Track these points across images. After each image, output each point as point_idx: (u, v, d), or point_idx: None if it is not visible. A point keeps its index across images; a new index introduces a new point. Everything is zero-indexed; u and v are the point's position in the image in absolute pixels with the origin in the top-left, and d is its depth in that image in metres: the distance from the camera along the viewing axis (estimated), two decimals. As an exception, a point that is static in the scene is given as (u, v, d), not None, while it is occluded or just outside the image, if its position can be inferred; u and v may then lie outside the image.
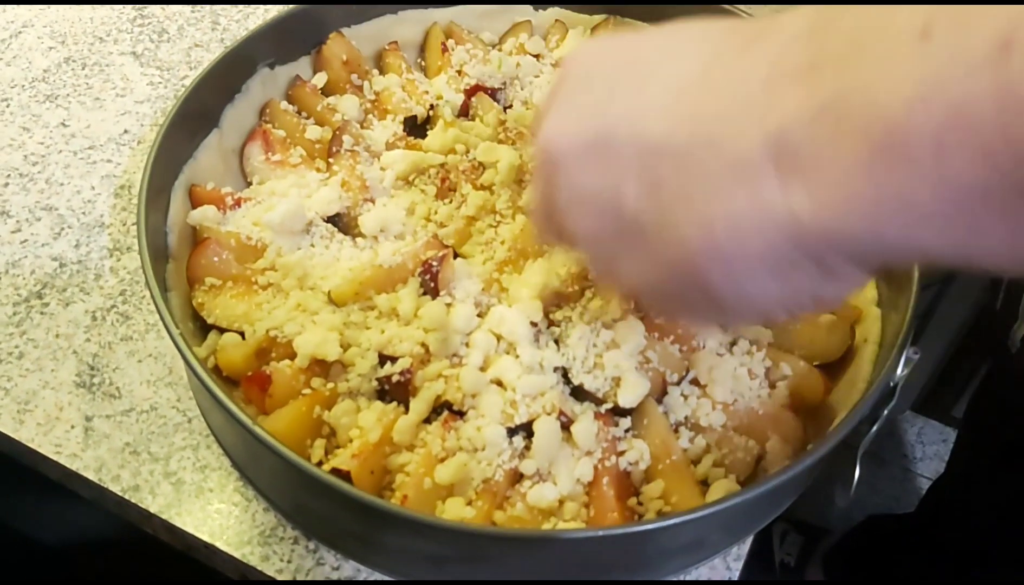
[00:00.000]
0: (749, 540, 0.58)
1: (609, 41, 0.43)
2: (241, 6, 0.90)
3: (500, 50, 0.78)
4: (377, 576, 0.56)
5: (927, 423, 1.71)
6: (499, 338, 0.58)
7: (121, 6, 0.89)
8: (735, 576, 0.57)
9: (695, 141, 0.35)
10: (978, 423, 1.00)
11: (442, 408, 0.56)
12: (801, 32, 0.33)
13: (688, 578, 0.57)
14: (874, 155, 0.30)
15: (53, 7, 0.88)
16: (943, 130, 0.28)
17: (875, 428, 0.54)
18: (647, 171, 0.37)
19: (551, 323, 0.60)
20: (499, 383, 0.56)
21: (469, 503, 0.53)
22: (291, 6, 0.73)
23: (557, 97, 0.42)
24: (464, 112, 0.74)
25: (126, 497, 0.58)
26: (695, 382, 0.58)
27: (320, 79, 0.74)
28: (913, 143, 0.29)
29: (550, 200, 0.42)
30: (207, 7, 0.89)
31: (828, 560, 1.37)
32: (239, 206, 0.65)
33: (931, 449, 1.69)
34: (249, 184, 0.68)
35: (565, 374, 0.58)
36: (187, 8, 0.89)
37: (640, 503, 0.55)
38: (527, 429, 0.55)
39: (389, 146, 0.70)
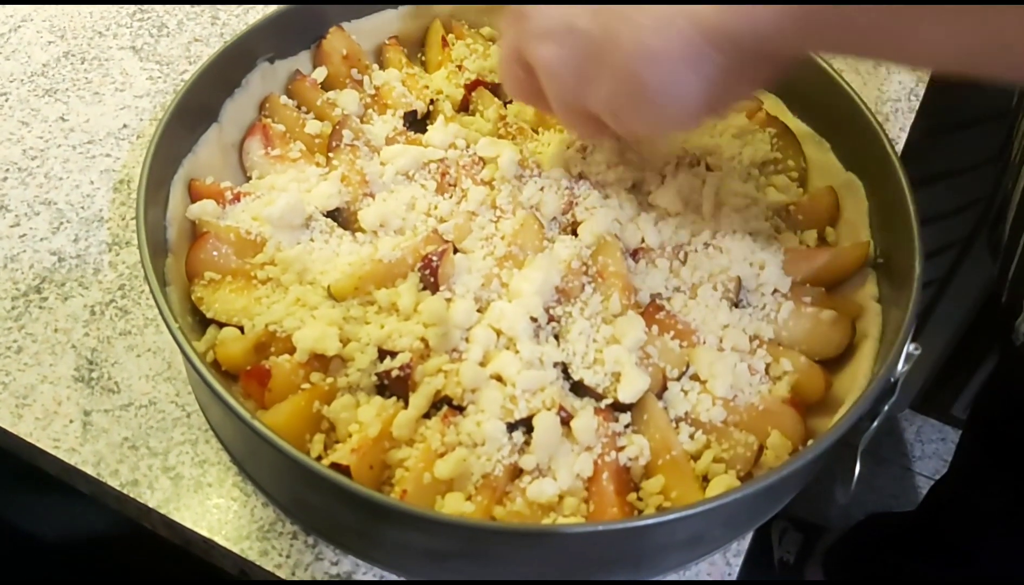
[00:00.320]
0: (749, 536, 0.58)
1: None
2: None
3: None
4: (376, 571, 0.56)
5: (926, 422, 1.71)
6: (499, 333, 0.58)
7: None
8: (735, 572, 0.57)
9: None
10: (984, 419, 1.00)
11: (442, 403, 0.56)
12: None
13: (687, 577, 0.57)
14: None
15: (52, 1, 0.88)
16: None
17: (875, 424, 0.54)
18: (590, 3, 0.50)
19: (551, 318, 0.60)
20: (499, 378, 0.56)
21: (469, 498, 0.53)
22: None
23: None
24: (464, 107, 0.74)
25: (125, 492, 0.58)
26: (695, 377, 0.58)
27: (320, 74, 0.74)
28: None
29: (520, 44, 0.55)
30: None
31: (827, 558, 1.37)
32: (238, 201, 0.65)
33: (930, 447, 1.69)
34: (248, 178, 0.68)
35: (565, 369, 0.58)
36: (186, 3, 0.89)
37: (640, 498, 0.55)
38: (527, 424, 0.55)
39: (389, 141, 0.69)
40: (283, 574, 0.55)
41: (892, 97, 0.85)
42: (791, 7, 0.45)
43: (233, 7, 0.89)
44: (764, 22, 0.45)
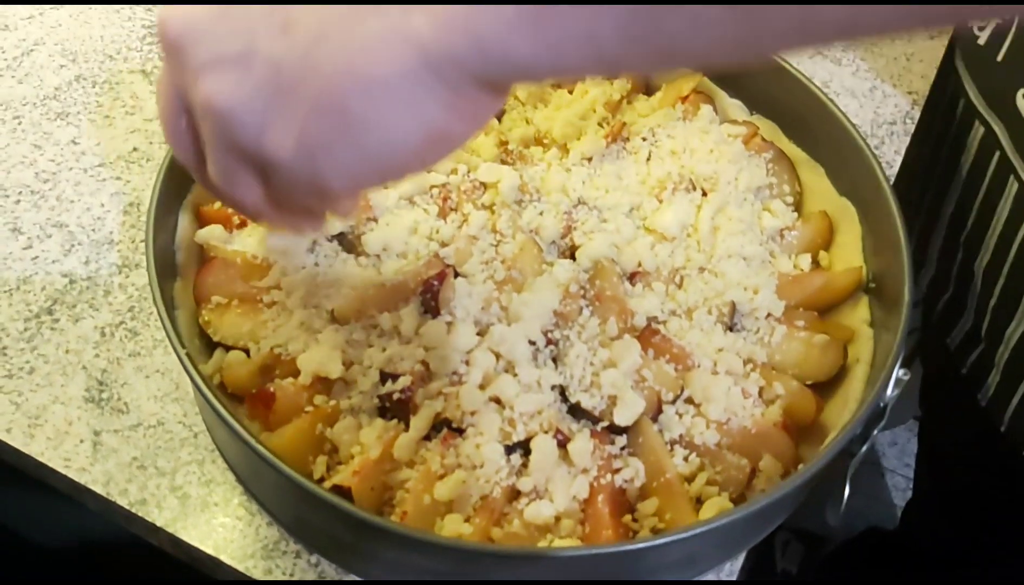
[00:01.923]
0: (742, 556, 0.60)
1: None
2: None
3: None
4: (377, 590, 0.58)
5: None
6: (498, 357, 0.59)
7: (131, 23, 0.91)
8: (728, 592, 0.59)
9: None
10: (928, 437, 1.01)
11: (442, 425, 0.57)
12: None
13: (682, 594, 0.58)
14: None
15: (64, 25, 0.90)
16: None
17: (864, 448, 0.56)
18: (277, 15, 0.37)
19: (549, 341, 0.61)
20: (498, 401, 0.58)
21: (467, 519, 0.54)
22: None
23: None
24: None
25: (133, 511, 0.60)
26: (690, 401, 0.60)
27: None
28: None
29: (178, 86, 0.41)
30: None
31: (829, 570, 1.38)
32: (245, 226, 0.66)
33: (934, 459, 1.70)
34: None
35: (563, 392, 0.59)
36: (195, 26, 0.91)
37: (635, 520, 0.56)
38: (524, 447, 0.56)
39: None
40: (287, 592, 0.57)
41: (887, 120, 0.86)
42: (529, 8, 0.34)
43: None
44: (495, 36, 0.35)
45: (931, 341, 0.82)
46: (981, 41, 0.72)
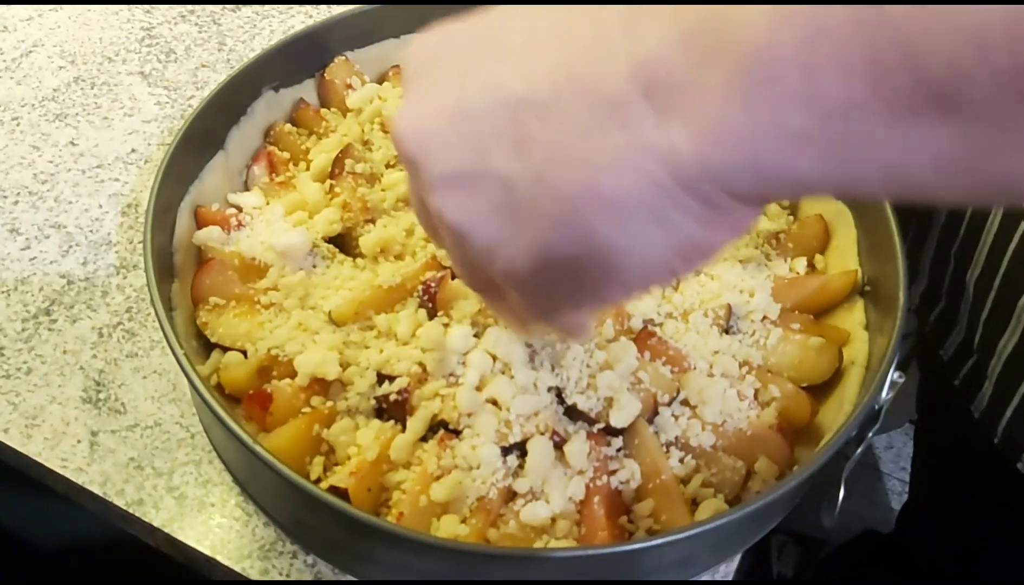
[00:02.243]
0: (737, 558, 0.60)
1: (447, 25, 0.39)
2: (247, 28, 0.92)
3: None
4: (374, 590, 0.58)
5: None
6: (495, 358, 0.60)
7: (129, 25, 0.91)
8: (724, 593, 0.59)
9: (559, 88, 0.33)
10: (924, 442, 1.01)
11: (438, 427, 0.57)
12: None
13: (677, 595, 0.59)
14: (744, 80, 0.29)
15: (63, 27, 0.90)
16: (807, 48, 0.28)
17: (860, 450, 0.56)
18: (512, 130, 0.34)
19: (546, 344, 0.61)
20: (494, 403, 0.58)
21: (463, 520, 0.54)
22: (295, 30, 0.75)
23: (406, 92, 0.39)
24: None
25: (130, 511, 0.60)
26: (685, 403, 0.60)
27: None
28: (779, 64, 0.28)
29: (422, 202, 0.39)
30: (214, 27, 0.91)
31: (825, 572, 1.38)
32: (243, 227, 0.66)
33: (930, 463, 1.70)
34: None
35: (559, 394, 0.59)
36: (194, 29, 0.91)
37: (631, 521, 0.56)
38: (521, 448, 0.56)
39: (390, 168, 0.71)
40: (283, 593, 0.57)
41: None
42: (826, 127, 0.29)
43: (239, 33, 0.91)
44: (776, 155, 0.30)
45: (925, 351, 0.82)
46: None
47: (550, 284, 0.37)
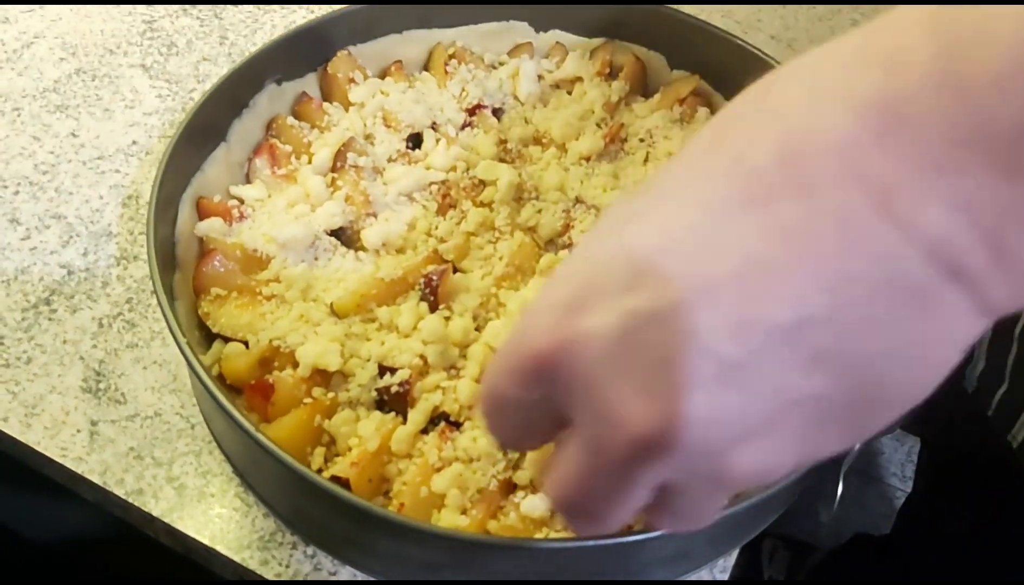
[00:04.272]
0: (735, 553, 0.60)
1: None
2: (249, 22, 0.92)
3: (499, 65, 0.80)
4: (373, 580, 0.58)
5: (916, 442, 1.72)
6: (495, 351, 0.60)
7: (131, 18, 0.91)
8: (721, 588, 0.59)
9: (847, 297, 0.29)
10: (931, 442, 1.02)
11: (439, 419, 0.58)
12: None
13: (675, 589, 0.59)
14: None
15: (65, 19, 0.90)
16: None
17: (858, 447, 0.56)
18: (806, 349, 0.29)
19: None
20: (495, 396, 0.58)
21: (464, 512, 0.55)
22: (298, 24, 0.75)
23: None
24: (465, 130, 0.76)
25: (130, 500, 0.60)
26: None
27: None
28: None
29: (687, 469, 0.31)
30: (216, 21, 0.91)
31: (815, 577, 1.38)
32: (245, 218, 0.66)
33: (921, 468, 1.71)
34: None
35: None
36: (196, 22, 0.91)
37: (630, 515, 0.56)
38: (521, 441, 0.57)
39: (392, 162, 0.71)
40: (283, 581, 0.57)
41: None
42: None
43: (241, 27, 0.91)
44: None
45: (969, 411, 0.80)
46: None
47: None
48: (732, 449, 0.30)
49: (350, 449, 0.56)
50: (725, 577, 0.60)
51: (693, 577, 0.59)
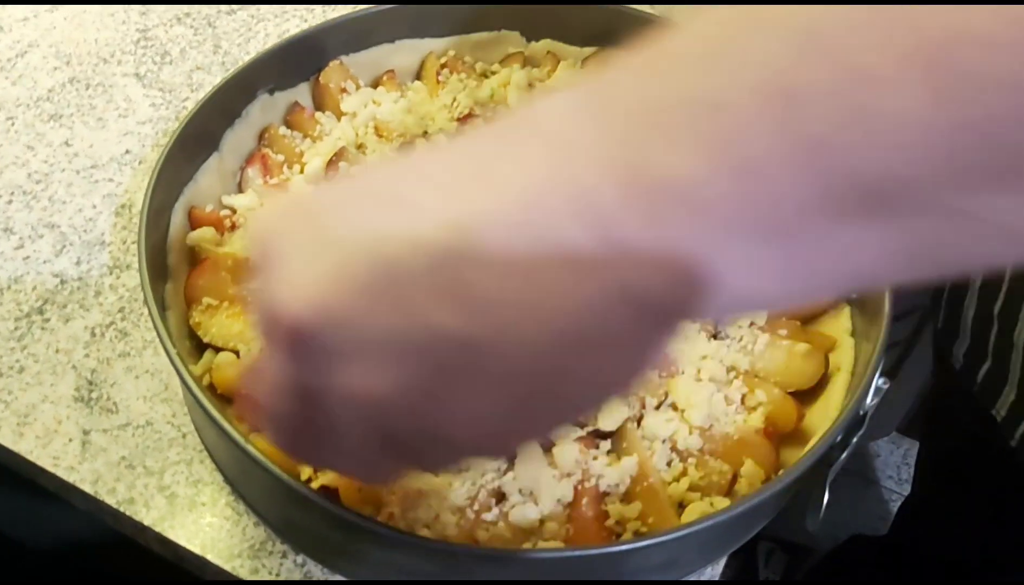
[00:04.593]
0: (723, 561, 0.60)
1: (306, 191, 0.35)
2: (243, 31, 0.92)
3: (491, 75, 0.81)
4: (363, 590, 0.58)
5: (913, 445, 1.73)
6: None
7: (125, 27, 0.91)
8: (709, 595, 0.59)
9: (516, 241, 0.29)
10: (933, 442, 1.02)
11: (429, 428, 0.58)
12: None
13: (664, 597, 0.59)
14: (693, 220, 0.28)
15: (59, 28, 0.90)
16: (738, 181, 0.27)
17: (844, 455, 0.56)
18: (463, 287, 0.30)
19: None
20: (484, 405, 0.58)
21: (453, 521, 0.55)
22: (290, 34, 0.76)
23: (273, 260, 0.32)
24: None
25: (121, 509, 0.60)
26: (673, 407, 0.61)
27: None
28: (725, 204, 0.28)
29: (301, 373, 0.33)
30: (209, 30, 0.92)
31: (812, 579, 1.39)
32: (237, 228, 0.67)
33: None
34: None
35: (548, 397, 0.60)
36: (189, 31, 0.91)
37: (618, 523, 0.57)
38: (510, 450, 0.57)
39: (383, 172, 0.72)
40: (273, 592, 0.57)
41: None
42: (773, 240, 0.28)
43: (234, 36, 0.91)
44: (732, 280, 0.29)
45: (972, 410, 0.82)
46: None
47: (503, 438, 0.34)
48: (344, 363, 0.31)
49: (340, 458, 0.56)
50: (716, 578, 0.60)
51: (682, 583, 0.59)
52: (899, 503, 1.68)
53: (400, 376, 0.31)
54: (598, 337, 0.30)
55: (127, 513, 0.60)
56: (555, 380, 0.31)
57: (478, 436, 0.33)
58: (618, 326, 0.30)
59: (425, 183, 0.31)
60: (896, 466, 1.75)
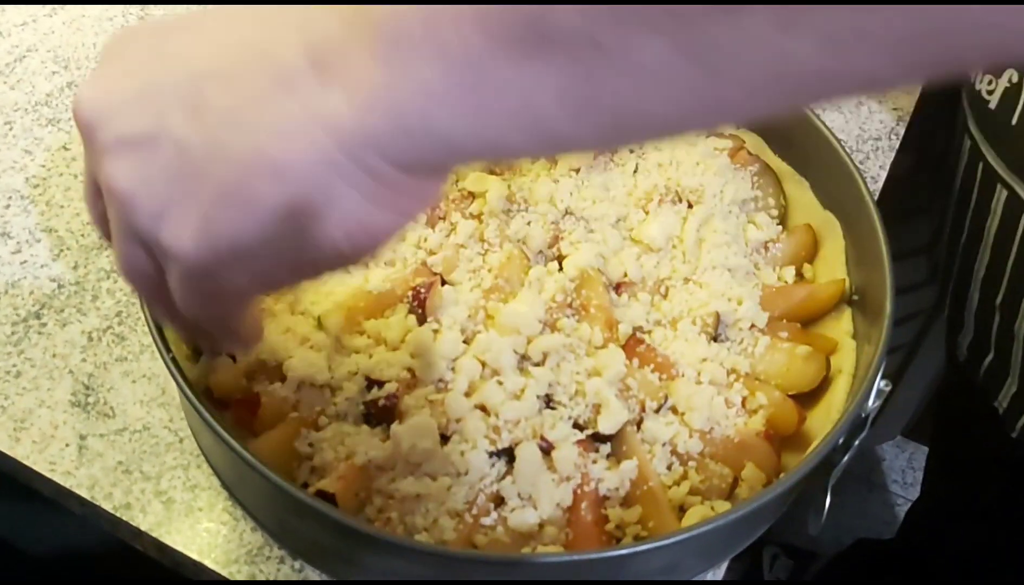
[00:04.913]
0: (724, 565, 0.60)
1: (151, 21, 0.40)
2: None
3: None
4: (361, 596, 0.58)
5: (918, 449, 1.72)
6: (484, 364, 0.60)
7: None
8: (710, 600, 0.59)
9: (241, 59, 0.34)
10: (942, 441, 1.01)
11: (427, 432, 0.57)
12: None
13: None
14: (382, 42, 0.31)
15: (57, 33, 0.90)
16: (426, 4, 0.30)
17: (846, 458, 0.56)
18: (193, 97, 0.34)
19: (532, 361, 0.61)
20: (483, 409, 0.58)
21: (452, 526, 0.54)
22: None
23: (97, 68, 0.39)
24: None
25: (118, 515, 0.60)
26: (673, 410, 0.60)
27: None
28: (406, 21, 0.31)
29: (93, 172, 0.38)
30: (208, 34, 0.91)
31: (821, 581, 1.38)
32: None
33: (921, 474, 1.70)
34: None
35: (548, 400, 0.59)
36: (188, 35, 0.91)
37: (618, 527, 0.56)
38: (509, 454, 0.57)
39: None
40: (270, 597, 0.57)
41: (873, 135, 0.87)
42: (455, 73, 0.30)
43: (233, 40, 0.91)
44: (418, 110, 0.31)
45: (981, 410, 0.82)
46: (992, 105, 0.73)
47: (216, 261, 0.35)
48: (111, 150, 0.36)
49: (337, 463, 0.56)
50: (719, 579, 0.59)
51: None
52: (905, 507, 1.67)
53: (137, 175, 0.35)
54: (300, 173, 0.33)
55: (124, 518, 0.60)
56: (254, 213, 0.34)
57: (188, 251, 0.35)
58: (321, 170, 0.33)
59: (214, 21, 0.37)
60: (901, 470, 1.74)
